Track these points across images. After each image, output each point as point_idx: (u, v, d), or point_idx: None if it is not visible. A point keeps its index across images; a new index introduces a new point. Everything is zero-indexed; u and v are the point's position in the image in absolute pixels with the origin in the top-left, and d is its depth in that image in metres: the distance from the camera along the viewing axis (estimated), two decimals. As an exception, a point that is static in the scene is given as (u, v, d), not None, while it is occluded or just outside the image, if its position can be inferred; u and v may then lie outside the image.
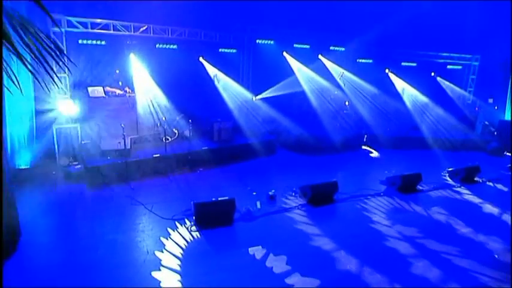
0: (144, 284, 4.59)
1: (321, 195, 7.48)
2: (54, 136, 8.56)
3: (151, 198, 7.33)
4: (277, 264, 5.16)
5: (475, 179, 9.37)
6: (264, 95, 12.53)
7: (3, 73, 7.54)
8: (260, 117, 11.82)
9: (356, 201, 7.71)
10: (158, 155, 8.78)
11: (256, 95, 12.49)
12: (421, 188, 8.62)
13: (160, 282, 4.65)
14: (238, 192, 7.06)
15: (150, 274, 4.80)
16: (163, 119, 9.99)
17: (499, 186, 9.11)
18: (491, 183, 9.24)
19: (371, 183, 8.76)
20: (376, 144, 12.21)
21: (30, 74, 7.64)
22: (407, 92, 13.49)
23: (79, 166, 8.32)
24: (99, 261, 5.11)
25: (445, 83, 14.01)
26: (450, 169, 9.55)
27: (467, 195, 8.41)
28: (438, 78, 13.99)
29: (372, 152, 11.97)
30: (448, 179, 9.42)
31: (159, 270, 4.91)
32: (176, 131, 10.43)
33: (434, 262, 5.38)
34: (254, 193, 7.82)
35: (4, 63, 7.28)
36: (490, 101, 14.19)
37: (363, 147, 12.31)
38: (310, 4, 12.35)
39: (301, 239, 5.98)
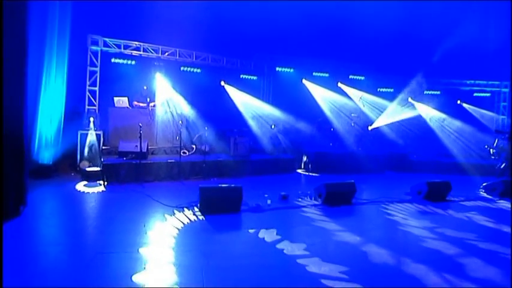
0: (133, 244, 4.28)
1: (337, 195, 6.95)
2: (78, 140, 9.00)
3: (161, 194, 7.20)
4: (288, 247, 4.43)
5: (517, 194, 8.34)
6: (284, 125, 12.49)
7: (43, 76, 8.26)
8: (280, 136, 11.78)
9: (377, 205, 7.06)
10: (173, 161, 8.84)
11: (275, 124, 12.54)
12: (451, 198, 7.78)
13: (149, 245, 4.34)
14: (249, 196, 6.65)
15: (142, 239, 4.51)
16: (181, 125, 10.10)
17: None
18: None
19: (394, 194, 8.07)
20: (402, 167, 11.53)
21: (65, 79, 8.35)
22: (435, 117, 13.05)
23: (97, 168, 8.53)
24: (94, 228, 4.95)
25: (473, 110, 13.45)
26: (485, 184, 8.65)
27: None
28: (465, 105, 13.50)
29: None
30: (484, 194, 8.48)
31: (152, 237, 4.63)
32: (194, 146, 10.57)
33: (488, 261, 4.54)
34: (266, 195, 7.45)
35: (44, 70, 8.03)
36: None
37: None
38: (329, 34, 12.97)
39: (317, 229, 5.35)
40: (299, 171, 11.29)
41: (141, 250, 4.07)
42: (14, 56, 5.02)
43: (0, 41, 4.54)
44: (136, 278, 3.40)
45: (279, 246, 4.52)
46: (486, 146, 11.05)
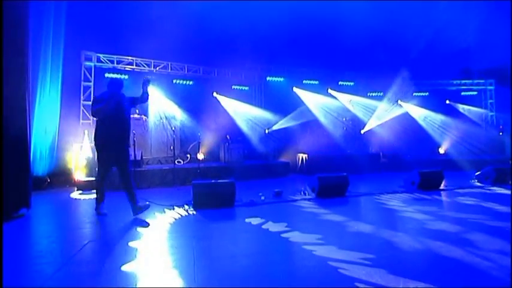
0: (126, 233, 4.30)
1: (330, 188, 7.01)
2: (73, 153, 9.09)
3: (155, 197, 7.22)
4: (282, 231, 4.49)
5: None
6: (276, 127, 12.77)
7: (38, 89, 8.48)
8: (273, 140, 11.92)
9: (371, 196, 7.10)
10: (167, 168, 8.90)
11: (268, 128, 12.77)
12: (445, 188, 7.83)
13: (142, 232, 4.35)
14: (243, 195, 6.69)
15: (135, 229, 4.53)
16: (174, 134, 10.22)
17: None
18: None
19: (388, 187, 8.11)
20: (396, 166, 11.61)
21: (59, 93, 8.57)
22: (425, 116, 13.30)
23: (92, 178, 8.56)
24: (88, 223, 4.96)
25: (462, 107, 13.73)
26: (478, 173, 8.72)
27: (505, 190, 7.43)
28: (453, 104, 13.79)
29: None
30: (477, 183, 8.53)
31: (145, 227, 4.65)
32: (189, 156, 10.67)
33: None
34: (260, 193, 7.48)
35: (39, 83, 8.26)
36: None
37: None
38: (317, 42, 13.34)
39: (310, 216, 5.39)
40: (293, 174, 11.33)
41: (133, 236, 4.08)
42: (17, 58, 5.29)
43: (0, 43, 4.76)
44: (128, 252, 3.41)
45: (273, 229, 4.52)
46: None
